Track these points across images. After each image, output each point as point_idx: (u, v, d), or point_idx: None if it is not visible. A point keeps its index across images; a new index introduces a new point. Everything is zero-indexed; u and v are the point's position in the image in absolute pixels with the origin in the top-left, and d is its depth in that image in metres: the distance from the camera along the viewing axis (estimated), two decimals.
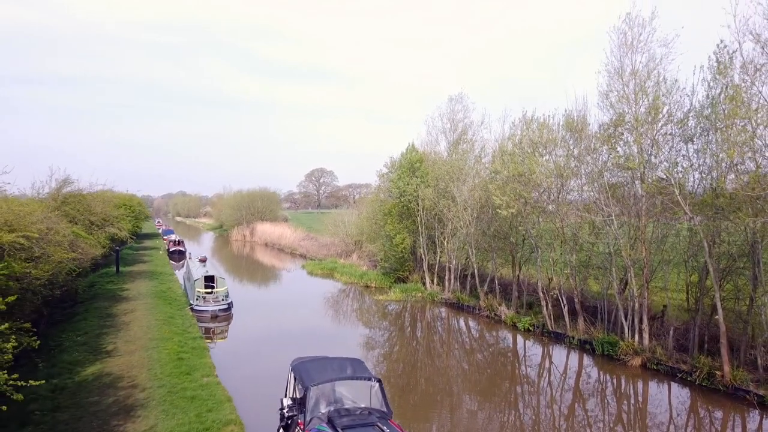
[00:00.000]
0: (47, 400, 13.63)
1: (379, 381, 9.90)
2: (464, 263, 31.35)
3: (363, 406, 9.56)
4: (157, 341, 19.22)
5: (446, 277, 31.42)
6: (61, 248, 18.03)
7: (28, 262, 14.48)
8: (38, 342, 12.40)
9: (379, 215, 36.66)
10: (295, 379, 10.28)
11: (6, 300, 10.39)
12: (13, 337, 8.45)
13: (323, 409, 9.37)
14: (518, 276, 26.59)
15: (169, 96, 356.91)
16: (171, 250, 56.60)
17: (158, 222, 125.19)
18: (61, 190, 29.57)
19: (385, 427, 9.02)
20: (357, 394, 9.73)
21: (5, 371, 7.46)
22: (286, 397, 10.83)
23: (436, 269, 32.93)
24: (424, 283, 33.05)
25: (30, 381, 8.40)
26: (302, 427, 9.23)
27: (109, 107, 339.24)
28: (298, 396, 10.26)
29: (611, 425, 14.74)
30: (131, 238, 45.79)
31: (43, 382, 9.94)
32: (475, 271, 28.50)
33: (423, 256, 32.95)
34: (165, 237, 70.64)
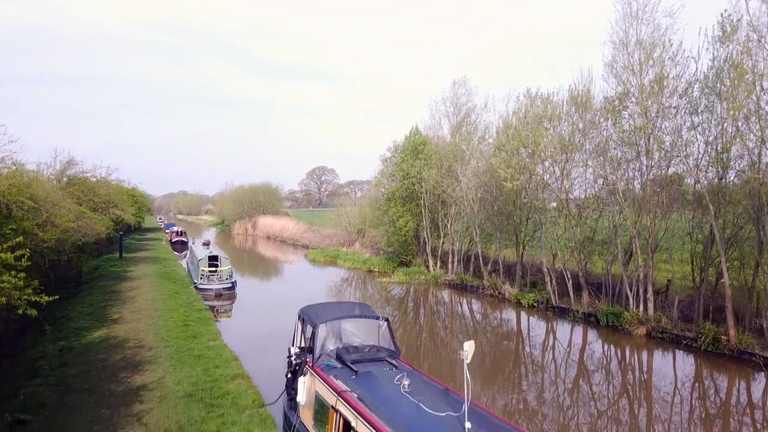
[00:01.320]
0: (55, 357, 13.71)
1: (387, 320, 9.94)
2: (467, 247, 31.41)
3: (371, 344, 9.61)
4: (162, 311, 19.30)
5: (449, 260, 31.46)
6: (68, 218, 18.08)
7: (36, 224, 14.53)
8: (47, 299, 12.48)
9: (382, 200, 36.75)
10: (303, 321, 10.29)
11: (17, 254, 10.35)
12: (27, 252, 8.39)
13: (331, 347, 9.40)
14: (522, 255, 26.63)
15: (169, 96, 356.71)
16: (174, 240, 56.75)
17: (160, 218, 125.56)
18: (66, 172, 29.66)
19: (393, 362, 9.07)
20: (365, 334, 9.76)
21: (20, 279, 7.47)
22: (293, 345, 10.86)
23: (439, 253, 32.98)
24: (427, 267, 33.08)
25: (44, 297, 8.42)
26: (311, 365, 9.27)
27: (109, 107, 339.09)
28: (305, 345, 10.29)
29: (616, 395, 14.65)
30: (136, 223, 45.85)
31: (56, 297, 9.88)
32: (479, 251, 28.54)
33: (426, 240, 32.99)
34: (167, 231, 70.85)
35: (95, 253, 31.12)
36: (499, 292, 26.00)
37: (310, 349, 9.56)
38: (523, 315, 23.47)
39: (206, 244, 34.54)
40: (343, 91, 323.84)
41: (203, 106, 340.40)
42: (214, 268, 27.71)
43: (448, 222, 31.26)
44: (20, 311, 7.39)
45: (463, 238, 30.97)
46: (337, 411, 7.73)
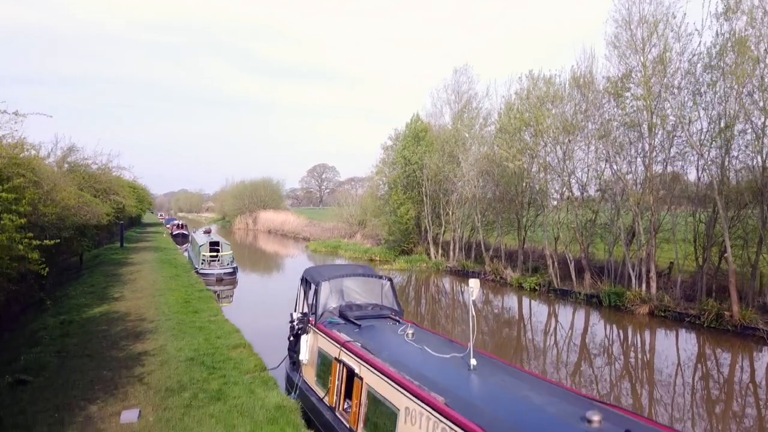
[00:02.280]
0: (56, 329, 13.63)
1: (390, 280, 9.89)
2: (469, 235, 31.36)
3: (374, 302, 9.55)
4: (163, 291, 19.26)
5: (451, 248, 31.41)
6: (68, 195, 17.99)
7: (37, 195, 14.43)
8: (47, 269, 12.38)
9: (383, 188, 36.74)
10: (307, 282, 10.21)
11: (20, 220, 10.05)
12: (26, 199, 8.29)
13: (334, 305, 9.35)
14: (524, 240, 26.57)
15: (169, 96, 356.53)
16: (174, 233, 56.75)
17: (161, 215, 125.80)
18: (67, 158, 29.56)
19: (397, 318, 9.02)
20: (368, 293, 9.70)
21: (21, 217, 7.39)
22: (295, 311, 10.81)
23: (440, 241, 32.92)
24: (428, 254, 33.02)
25: (45, 241, 8.36)
26: (313, 323, 9.22)
27: (109, 107, 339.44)
28: (308, 310, 10.24)
29: (619, 374, 14.49)
30: (137, 215, 45.74)
31: (58, 241, 9.74)
32: (481, 238, 28.48)
33: (428, 227, 32.93)
34: (168, 225, 70.89)
35: (95, 239, 31.03)
36: (501, 277, 25.95)
37: (313, 311, 9.52)
38: (525, 298, 23.41)
39: (207, 232, 34.52)
40: (343, 91, 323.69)
41: (203, 106, 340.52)
42: (215, 253, 27.69)
43: (449, 209, 31.20)
44: (21, 249, 7.28)
45: (464, 225, 30.93)
46: (340, 362, 7.68)
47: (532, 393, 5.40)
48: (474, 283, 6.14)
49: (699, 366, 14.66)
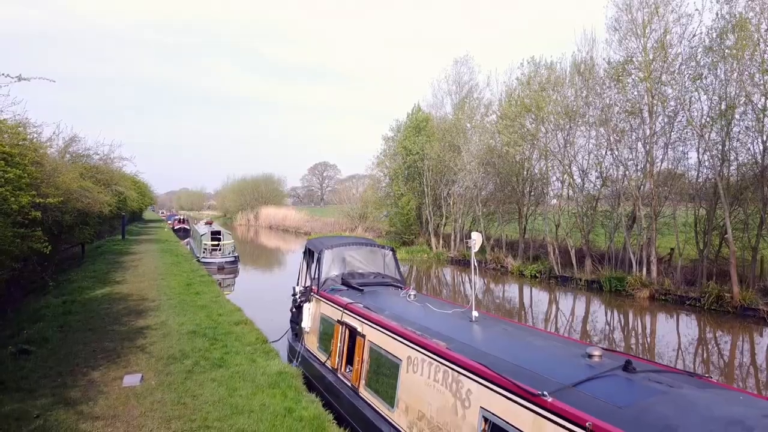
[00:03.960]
0: (58, 307, 13.68)
1: (393, 250, 9.91)
2: (469, 226, 31.35)
3: (377, 271, 9.58)
4: (165, 275, 19.33)
5: (452, 238, 31.42)
6: (70, 178, 18.01)
7: (39, 178, 14.46)
8: (49, 247, 12.41)
9: (384, 180, 36.75)
10: (310, 253, 10.22)
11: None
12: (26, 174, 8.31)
13: (336, 273, 9.38)
14: (524, 228, 26.57)
15: (170, 96, 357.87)
16: (176, 228, 56.71)
17: (162, 212, 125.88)
18: (68, 149, 29.58)
19: (401, 286, 9.05)
20: (370, 262, 9.72)
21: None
22: (298, 285, 10.84)
23: (441, 232, 32.93)
24: (429, 245, 33.04)
25: (48, 200, 8.39)
26: (316, 291, 9.24)
27: (111, 107, 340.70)
28: (310, 283, 10.26)
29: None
30: (138, 209, 45.80)
31: (61, 199, 9.73)
32: (482, 228, 28.48)
33: (429, 218, 32.95)
34: (169, 221, 70.85)
35: (97, 227, 31.07)
36: (502, 266, 25.96)
37: (315, 278, 9.54)
38: (526, 285, 23.41)
39: (209, 223, 34.54)
40: (344, 91, 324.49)
41: (204, 106, 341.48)
42: (216, 242, 27.74)
43: (450, 200, 31.20)
44: (24, 202, 7.29)
45: (465, 216, 30.94)
46: (342, 323, 7.70)
47: (533, 338, 5.44)
48: (476, 236, 6.17)
49: (700, 347, 14.67)
